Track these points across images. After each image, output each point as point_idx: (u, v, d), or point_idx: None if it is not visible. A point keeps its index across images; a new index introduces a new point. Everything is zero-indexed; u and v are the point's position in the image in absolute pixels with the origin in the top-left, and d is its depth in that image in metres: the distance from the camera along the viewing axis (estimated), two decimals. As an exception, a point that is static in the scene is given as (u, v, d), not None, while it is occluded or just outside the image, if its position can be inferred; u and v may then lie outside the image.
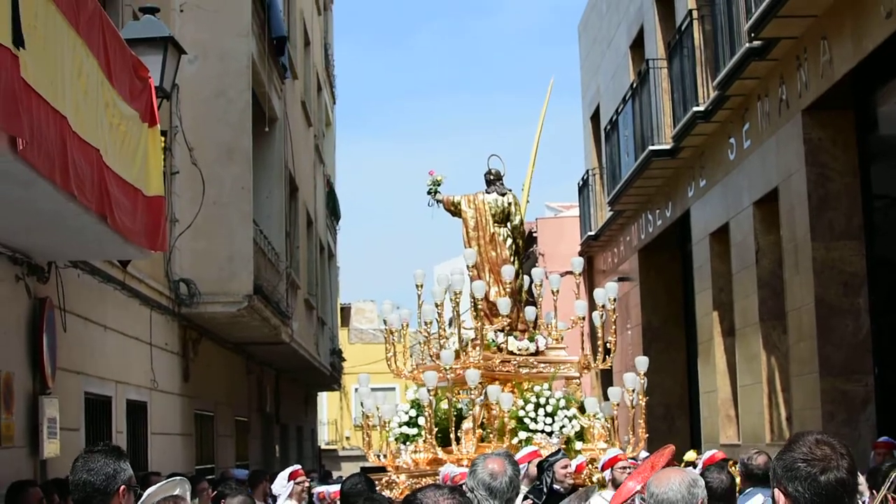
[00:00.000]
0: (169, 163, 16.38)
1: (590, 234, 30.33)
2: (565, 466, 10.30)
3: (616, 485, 10.05)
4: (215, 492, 12.22)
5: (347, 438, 52.96)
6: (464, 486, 6.74)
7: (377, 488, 11.34)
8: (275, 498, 14.31)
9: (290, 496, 13.42)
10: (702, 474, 7.53)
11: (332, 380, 36.65)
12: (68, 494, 10.38)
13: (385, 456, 12.67)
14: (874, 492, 9.42)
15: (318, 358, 30.32)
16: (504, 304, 12.60)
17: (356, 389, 50.28)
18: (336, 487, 13.39)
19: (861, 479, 11.59)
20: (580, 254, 29.09)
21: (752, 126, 18.09)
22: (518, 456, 10.71)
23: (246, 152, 18.32)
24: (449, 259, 64.37)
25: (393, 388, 52.57)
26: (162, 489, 6.97)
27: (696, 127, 19.84)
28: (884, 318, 15.90)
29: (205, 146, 17.79)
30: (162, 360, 16.93)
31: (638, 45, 25.72)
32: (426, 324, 12.63)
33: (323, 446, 47.40)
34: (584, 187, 31.45)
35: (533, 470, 10.36)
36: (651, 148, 22.10)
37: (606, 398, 12.74)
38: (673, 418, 24.36)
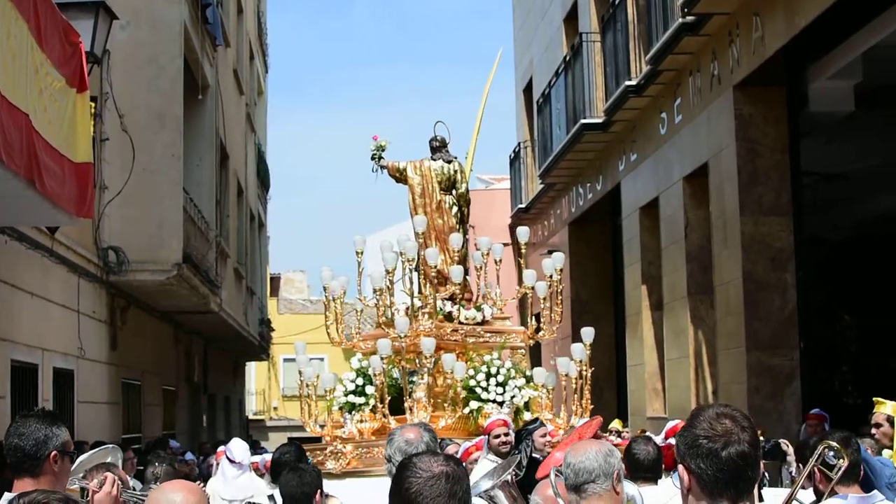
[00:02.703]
0: (99, 129, 16.22)
1: (520, 206, 30.39)
2: (544, 435, 10.31)
3: None
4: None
5: (275, 409, 52.89)
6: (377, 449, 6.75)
7: (318, 458, 11.31)
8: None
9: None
10: (630, 445, 7.60)
11: (261, 350, 36.55)
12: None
13: (323, 426, 12.48)
14: (800, 466, 9.52)
15: (247, 328, 30.19)
16: (457, 273, 12.48)
17: (285, 360, 49.96)
18: (269, 456, 13.39)
19: (790, 450, 11.75)
20: (510, 227, 29.19)
21: (684, 101, 18.18)
22: (485, 424, 10.72)
23: (177, 119, 18.17)
24: (379, 230, 64.28)
25: (322, 358, 52.53)
26: (94, 457, 6.92)
27: (627, 101, 19.92)
28: (810, 293, 16.07)
29: (135, 113, 17.61)
30: (89, 327, 16.77)
31: (572, 19, 25.75)
32: (376, 291, 12.43)
33: (251, 416, 47.27)
34: (515, 160, 31.50)
35: (493, 441, 10.28)
36: (583, 121, 22.16)
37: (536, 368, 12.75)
38: (601, 391, 24.45)
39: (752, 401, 15.36)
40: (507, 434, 10.21)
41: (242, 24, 30.25)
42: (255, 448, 26.50)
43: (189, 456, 18.22)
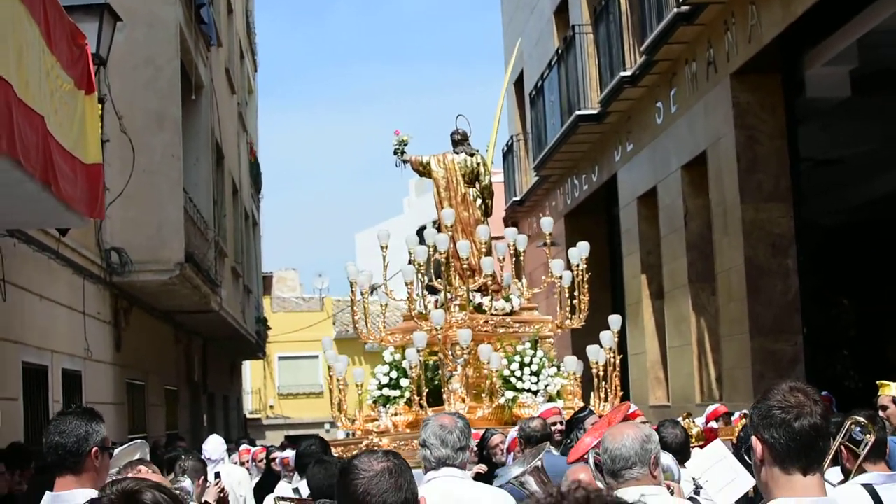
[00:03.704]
0: (100, 131, 16.25)
1: (515, 199, 30.48)
2: (595, 423, 10.36)
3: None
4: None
5: (271, 407, 52.93)
6: (416, 441, 6.86)
7: (353, 454, 11.35)
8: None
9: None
10: (657, 429, 7.70)
11: (258, 348, 36.60)
12: (19, 464, 10.41)
13: (354, 420, 12.55)
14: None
15: (245, 326, 30.27)
16: (488, 264, 12.60)
17: (280, 358, 49.95)
18: (290, 452, 13.52)
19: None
20: (504, 220, 29.27)
21: (680, 90, 18.30)
22: (537, 413, 10.79)
23: (175, 120, 18.25)
24: (368, 227, 64.33)
25: (316, 356, 52.64)
26: (124, 453, 7.01)
27: (622, 92, 20.02)
28: (811, 278, 16.20)
29: (134, 114, 17.66)
30: (95, 329, 16.84)
31: (562, 11, 25.84)
32: (407, 284, 12.49)
33: (247, 415, 47.34)
34: (508, 153, 31.59)
35: (549, 429, 10.34)
36: (578, 113, 22.26)
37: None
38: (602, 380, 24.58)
39: (756, 386, 15.46)
40: (561, 422, 10.33)
41: (233, 24, 30.31)
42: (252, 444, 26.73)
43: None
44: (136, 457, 7.28)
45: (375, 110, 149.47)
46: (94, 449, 5.53)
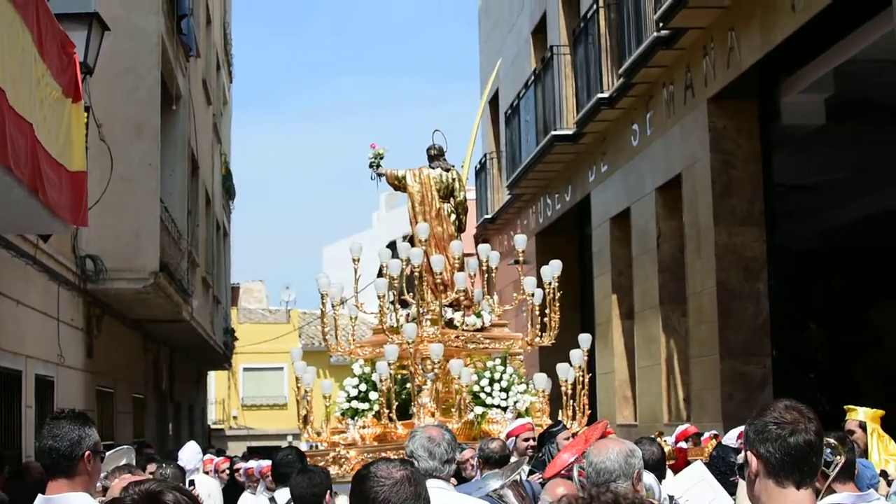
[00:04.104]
0: (80, 138, 16.28)
1: (486, 217, 30.62)
2: (567, 438, 10.36)
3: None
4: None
5: (235, 418, 52.85)
6: (404, 453, 6.96)
7: (319, 465, 11.43)
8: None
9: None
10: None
11: (224, 359, 36.59)
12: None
13: (320, 433, 12.58)
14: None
15: (214, 336, 30.27)
16: (461, 280, 12.61)
17: (245, 369, 49.76)
18: (266, 463, 13.54)
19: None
20: (475, 237, 29.40)
21: (656, 113, 18.49)
22: (510, 429, 10.89)
23: (154, 129, 18.30)
24: (337, 241, 64.30)
25: (281, 368, 52.61)
26: (111, 458, 7.10)
27: (599, 113, 20.22)
28: (782, 302, 16.40)
29: (113, 123, 17.67)
30: (68, 336, 16.85)
31: (540, 31, 26.04)
32: (380, 297, 12.52)
33: (211, 425, 47.27)
34: (480, 170, 31.73)
35: (521, 444, 10.44)
36: (553, 133, 22.43)
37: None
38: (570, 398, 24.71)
39: (725, 408, 15.65)
40: (533, 438, 10.43)
41: (211, 35, 30.36)
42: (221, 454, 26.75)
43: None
44: (123, 462, 7.37)
45: (347, 123, 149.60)
46: (86, 453, 5.55)
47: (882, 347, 21.68)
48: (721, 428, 14.59)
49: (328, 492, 7.13)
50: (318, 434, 12.57)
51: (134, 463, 7.19)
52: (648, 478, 6.42)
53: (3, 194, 9.62)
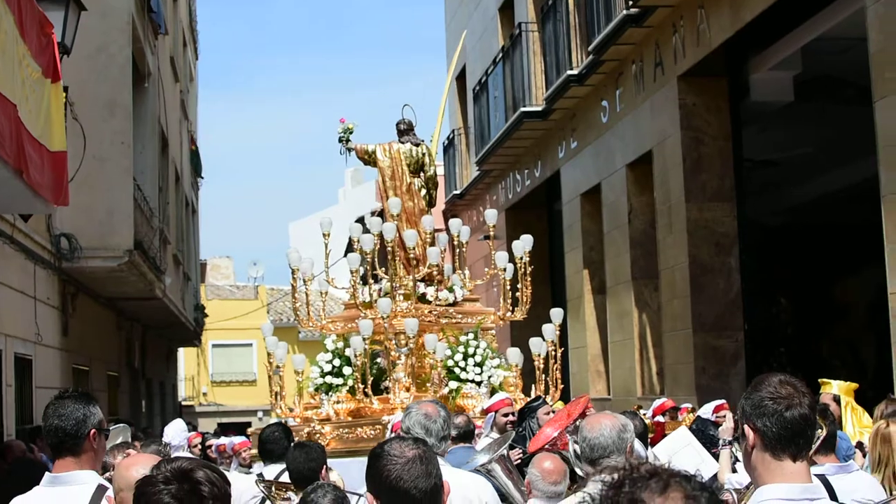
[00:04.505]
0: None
1: (455, 192, 30.73)
2: (547, 413, 10.38)
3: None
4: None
5: (204, 394, 52.88)
6: (399, 430, 7.08)
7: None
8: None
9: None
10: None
11: (195, 335, 36.63)
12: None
13: (292, 409, 12.62)
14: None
15: (185, 313, 30.31)
16: (434, 254, 12.63)
17: (214, 346, 49.50)
18: (239, 439, 13.63)
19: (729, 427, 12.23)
20: (444, 213, 29.51)
21: (626, 90, 18.65)
22: (488, 404, 10.99)
23: (126, 107, 18.34)
24: (303, 217, 64.23)
25: (250, 344, 52.63)
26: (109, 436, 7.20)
27: (569, 90, 20.34)
28: (753, 277, 16.62)
29: (85, 101, 17.69)
30: (45, 314, 16.93)
31: (507, 8, 26.12)
32: (352, 272, 12.58)
33: (182, 402, 47.29)
34: (448, 146, 31.82)
35: (500, 419, 10.52)
36: (523, 109, 22.54)
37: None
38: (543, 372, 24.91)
39: (699, 381, 15.88)
40: (513, 413, 10.54)
41: (177, 12, 30.32)
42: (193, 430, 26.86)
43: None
44: (119, 440, 7.48)
45: (311, 100, 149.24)
46: (92, 431, 5.61)
47: (849, 322, 22.00)
48: (695, 401, 14.83)
49: (324, 466, 7.20)
50: (291, 410, 12.61)
51: (130, 440, 7.29)
52: (639, 446, 6.60)
53: (-14, 175, 9.71)
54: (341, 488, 6.18)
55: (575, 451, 5.71)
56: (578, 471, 5.73)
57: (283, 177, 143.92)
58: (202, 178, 38.75)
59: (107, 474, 5.83)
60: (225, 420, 48.14)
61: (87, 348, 20.63)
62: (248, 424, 49.71)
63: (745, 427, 4.00)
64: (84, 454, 5.60)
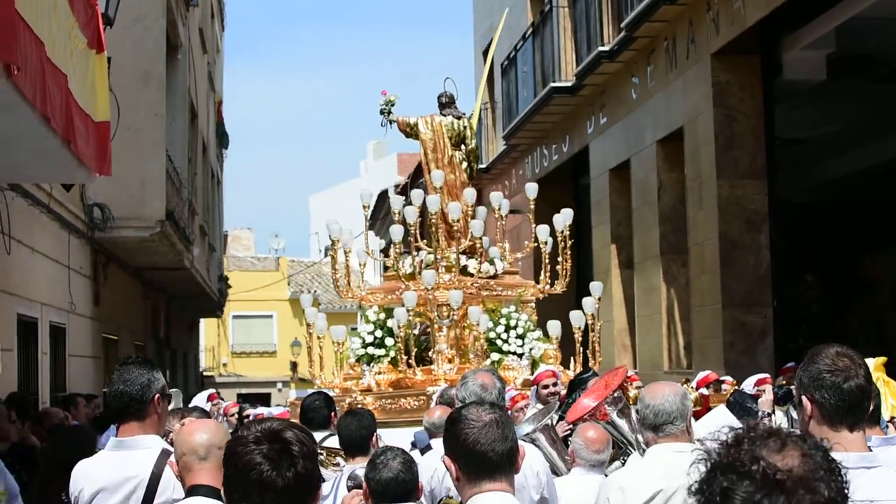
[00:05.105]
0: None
1: (481, 167, 30.74)
2: None
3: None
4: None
5: (224, 365, 53.15)
6: (455, 398, 7.18)
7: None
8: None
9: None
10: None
11: (218, 306, 36.82)
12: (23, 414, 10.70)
13: (330, 379, 12.67)
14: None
15: (210, 283, 30.48)
16: (477, 227, 12.69)
17: (234, 317, 49.61)
18: (279, 409, 13.73)
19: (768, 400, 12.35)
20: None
21: (657, 67, 18.70)
22: (534, 376, 11.07)
23: (160, 79, 18.45)
24: (324, 189, 64.35)
25: (270, 315, 52.86)
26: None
27: (599, 66, 20.40)
28: (782, 254, 16.70)
29: (121, 72, 17.76)
30: (78, 283, 17.09)
31: (537, -17, 26.14)
32: (394, 244, 12.65)
33: (203, 373, 47.57)
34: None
35: (542, 392, 10.58)
36: (552, 84, 22.61)
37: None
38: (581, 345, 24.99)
39: (727, 356, 15.97)
40: (554, 384, 10.60)
41: (206, -16, 30.41)
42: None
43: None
44: (172, 406, 7.59)
45: (334, 73, 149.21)
46: (156, 396, 5.72)
47: (875, 299, 22.05)
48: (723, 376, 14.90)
49: (374, 434, 7.23)
50: (330, 382, 12.65)
51: (181, 405, 7.41)
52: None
53: (36, 143, 9.84)
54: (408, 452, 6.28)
55: (639, 417, 5.80)
56: (640, 438, 5.83)
57: (304, 149, 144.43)
58: (227, 150, 38.87)
59: (166, 439, 5.95)
60: (244, 391, 48.40)
61: (116, 318, 20.82)
62: (268, 395, 50.11)
63: (804, 398, 4.10)
64: (148, 418, 5.71)
